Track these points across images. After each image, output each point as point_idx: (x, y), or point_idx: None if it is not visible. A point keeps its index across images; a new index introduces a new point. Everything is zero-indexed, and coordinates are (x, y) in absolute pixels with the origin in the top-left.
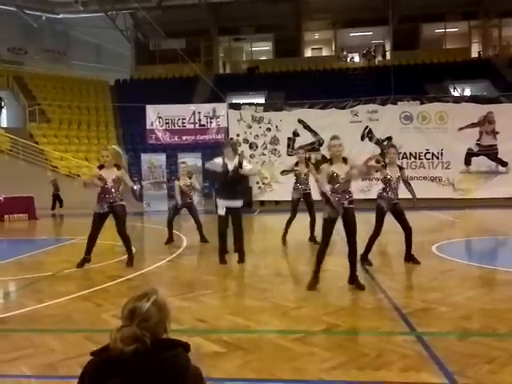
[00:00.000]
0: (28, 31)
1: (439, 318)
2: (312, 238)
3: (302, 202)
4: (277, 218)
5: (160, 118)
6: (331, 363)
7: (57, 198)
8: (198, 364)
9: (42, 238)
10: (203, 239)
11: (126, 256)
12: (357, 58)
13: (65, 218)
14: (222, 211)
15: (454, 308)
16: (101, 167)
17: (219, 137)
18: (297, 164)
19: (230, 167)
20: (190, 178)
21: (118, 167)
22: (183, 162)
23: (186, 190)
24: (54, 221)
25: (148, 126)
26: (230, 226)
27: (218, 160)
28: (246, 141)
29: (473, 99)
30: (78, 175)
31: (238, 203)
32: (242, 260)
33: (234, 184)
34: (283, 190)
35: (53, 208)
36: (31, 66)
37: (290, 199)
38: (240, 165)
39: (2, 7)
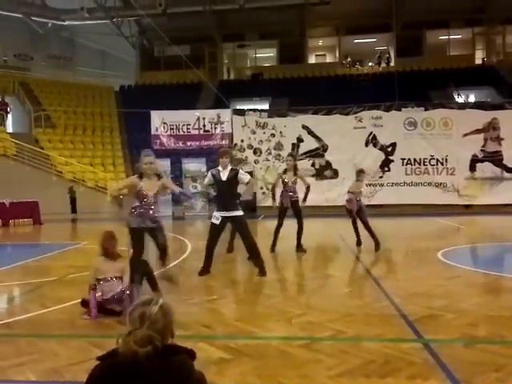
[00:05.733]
0: (34, 38)
1: (446, 325)
2: (299, 247)
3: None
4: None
5: (165, 123)
6: (337, 370)
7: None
8: (203, 370)
9: (47, 242)
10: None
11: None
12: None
13: (69, 224)
14: (216, 220)
15: (460, 315)
16: (140, 176)
17: (223, 142)
18: (285, 171)
19: (224, 177)
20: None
21: (159, 177)
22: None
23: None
24: (59, 226)
25: (153, 132)
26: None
27: (207, 179)
28: (250, 146)
29: (477, 105)
30: (84, 180)
31: (238, 212)
32: (262, 273)
33: (230, 193)
34: None
35: (73, 212)
36: (37, 71)
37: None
38: (235, 176)
39: (9, 14)
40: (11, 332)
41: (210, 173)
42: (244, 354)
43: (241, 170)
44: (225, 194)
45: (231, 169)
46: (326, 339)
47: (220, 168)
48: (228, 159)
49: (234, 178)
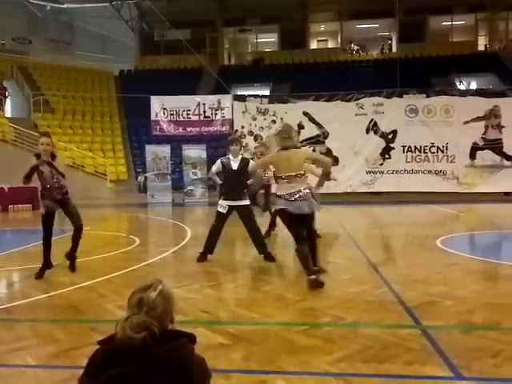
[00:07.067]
0: (32, 21)
1: (444, 311)
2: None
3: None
4: None
5: (165, 109)
6: (336, 356)
7: None
8: (202, 355)
9: None
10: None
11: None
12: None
13: None
14: (222, 209)
15: (458, 302)
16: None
17: (224, 129)
18: None
19: (234, 165)
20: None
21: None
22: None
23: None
24: (58, 211)
25: (153, 117)
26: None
27: (216, 167)
28: (250, 133)
29: (479, 93)
30: (83, 166)
31: (245, 201)
32: (270, 259)
33: (240, 182)
34: None
35: None
36: (35, 55)
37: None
38: (246, 165)
39: None
40: (11, 317)
41: (219, 160)
42: (243, 339)
43: (251, 161)
44: (233, 182)
45: (242, 158)
46: (325, 325)
47: (230, 156)
48: (238, 146)
49: (244, 167)
